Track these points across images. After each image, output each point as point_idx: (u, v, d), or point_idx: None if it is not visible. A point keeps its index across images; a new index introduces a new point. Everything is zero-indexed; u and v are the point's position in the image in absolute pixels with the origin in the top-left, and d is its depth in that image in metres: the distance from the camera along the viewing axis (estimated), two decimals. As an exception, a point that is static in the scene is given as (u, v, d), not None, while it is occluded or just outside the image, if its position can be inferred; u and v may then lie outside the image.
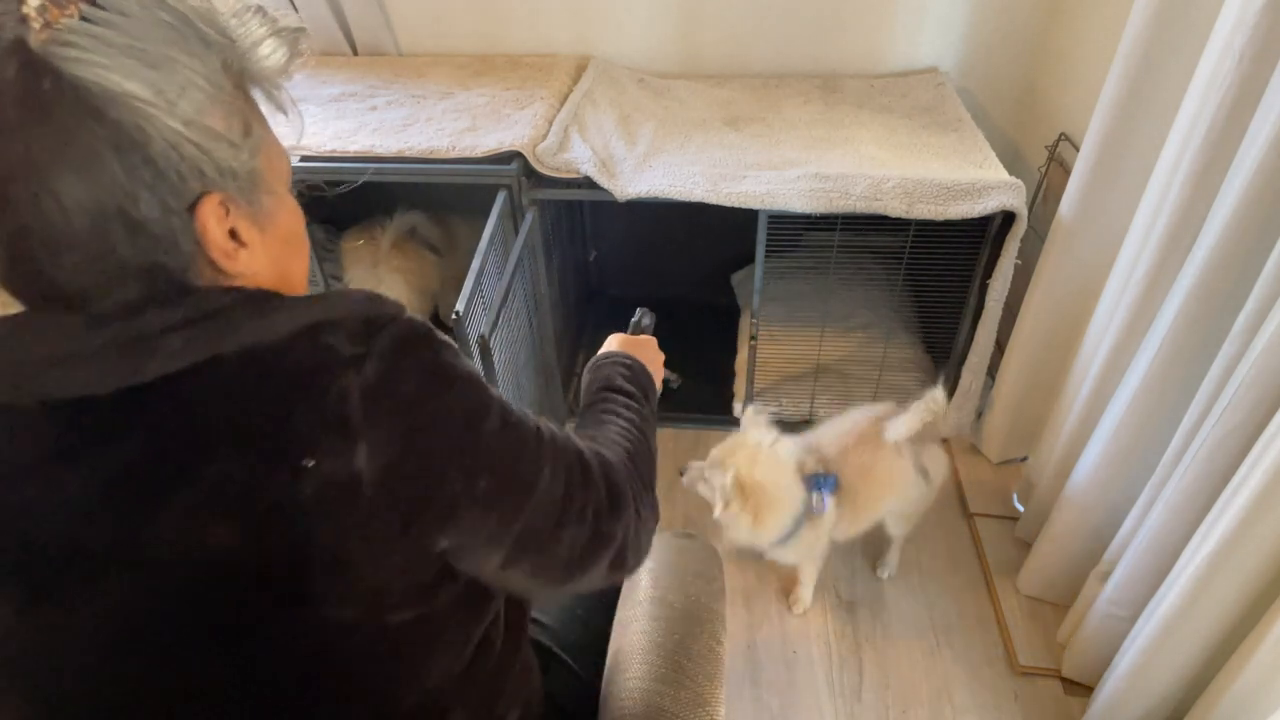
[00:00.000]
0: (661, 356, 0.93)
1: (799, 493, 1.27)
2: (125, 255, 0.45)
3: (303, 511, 0.46)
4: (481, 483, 0.53)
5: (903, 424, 1.27)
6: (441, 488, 0.51)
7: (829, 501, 1.28)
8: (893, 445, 1.30)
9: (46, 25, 0.41)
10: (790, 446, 1.29)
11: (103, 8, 0.43)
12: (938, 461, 1.38)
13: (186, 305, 0.47)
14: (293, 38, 0.52)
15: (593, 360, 0.87)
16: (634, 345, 0.89)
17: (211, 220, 0.48)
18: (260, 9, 0.51)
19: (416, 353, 0.51)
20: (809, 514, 1.28)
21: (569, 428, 0.70)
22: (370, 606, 0.50)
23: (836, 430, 1.36)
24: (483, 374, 0.58)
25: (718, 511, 1.24)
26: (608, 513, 0.64)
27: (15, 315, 0.47)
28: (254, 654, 0.49)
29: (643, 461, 0.73)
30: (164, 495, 0.46)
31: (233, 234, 0.50)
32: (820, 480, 1.28)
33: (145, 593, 0.47)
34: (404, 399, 0.49)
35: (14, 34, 0.41)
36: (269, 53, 0.51)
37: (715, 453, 1.27)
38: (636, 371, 0.84)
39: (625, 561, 0.67)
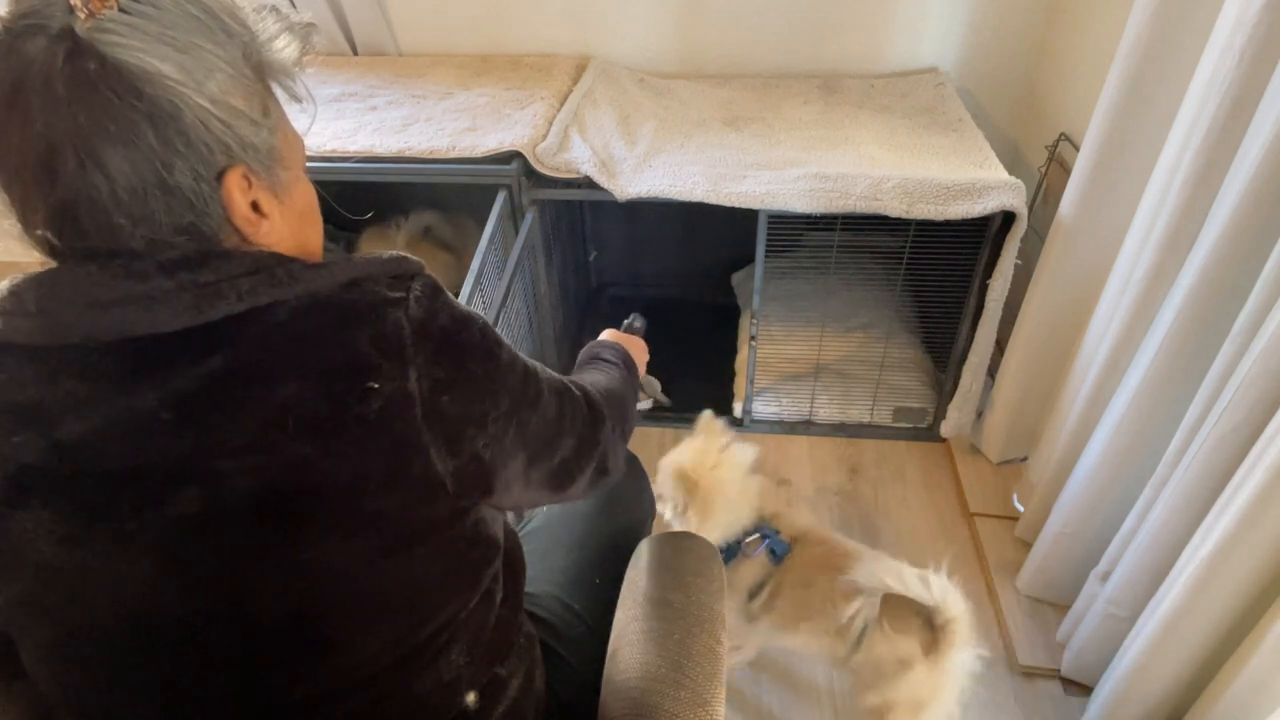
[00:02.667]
0: (646, 355, 1.03)
1: (749, 502, 1.17)
2: (162, 219, 0.50)
3: (368, 428, 0.52)
4: (504, 399, 0.62)
5: (872, 608, 1.04)
6: (476, 404, 0.59)
7: (761, 552, 1.16)
8: (846, 591, 1.08)
9: (90, 15, 0.47)
10: (748, 454, 1.20)
11: (139, 1, 0.48)
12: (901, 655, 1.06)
13: (246, 258, 0.52)
14: (304, 32, 0.58)
15: (585, 347, 0.98)
16: (623, 339, 0.99)
17: (236, 190, 0.53)
18: (275, 8, 0.57)
19: (443, 297, 0.59)
20: (742, 551, 1.17)
21: None
22: (401, 533, 0.56)
23: (821, 532, 1.21)
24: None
25: (667, 514, 1.17)
26: (590, 424, 0.75)
27: (54, 268, 0.51)
28: (300, 575, 0.53)
29: (616, 399, 0.83)
30: (238, 412, 0.50)
31: (255, 206, 0.54)
32: (770, 535, 1.17)
33: (206, 511, 0.50)
34: (442, 332, 0.57)
35: (62, 23, 0.46)
36: (283, 45, 0.56)
37: (666, 458, 1.21)
38: (620, 352, 0.95)
39: (607, 468, 0.79)
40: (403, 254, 0.59)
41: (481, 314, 0.64)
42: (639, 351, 1.01)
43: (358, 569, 0.54)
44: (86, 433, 0.50)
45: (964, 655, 1.02)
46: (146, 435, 0.50)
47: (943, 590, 1.00)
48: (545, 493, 0.72)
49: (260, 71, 0.55)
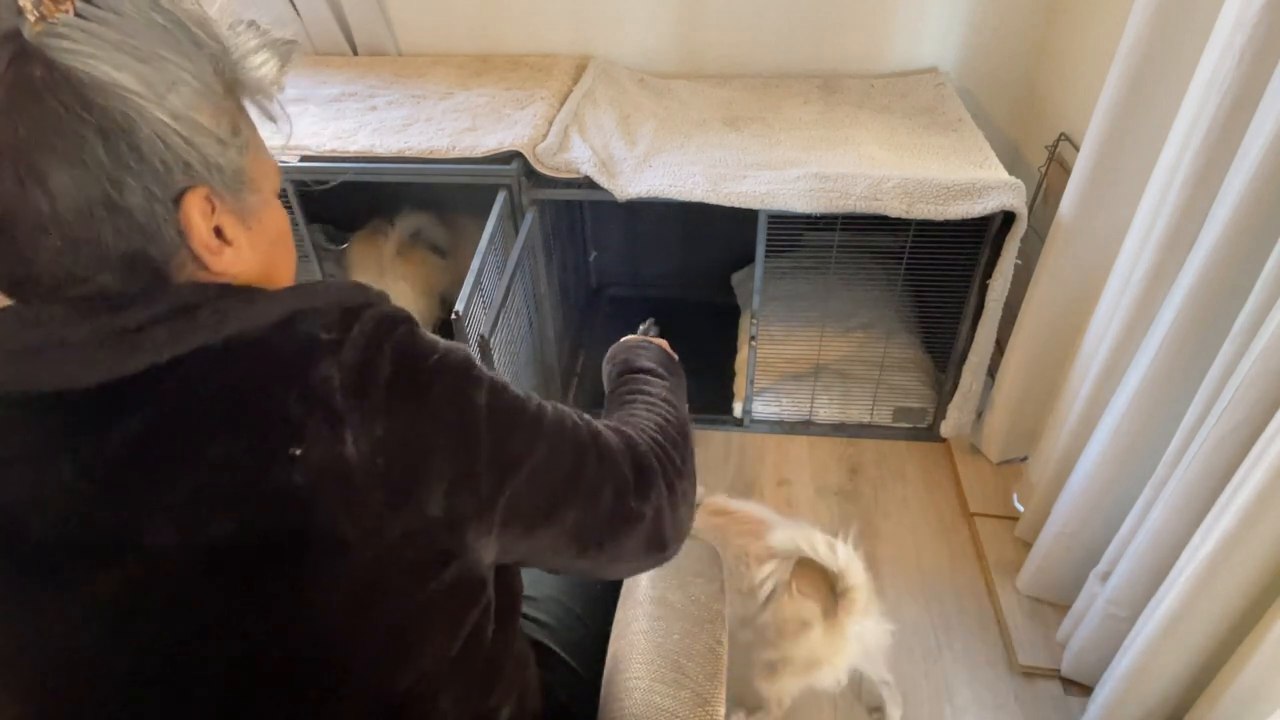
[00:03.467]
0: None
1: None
2: (108, 242, 0.46)
3: (298, 498, 0.47)
4: (464, 456, 0.53)
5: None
6: (428, 464, 0.51)
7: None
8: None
9: (41, 18, 0.43)
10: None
11: (97, 6, 0.44)
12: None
13: (170, 296, 0.47)
14: (285, 50, 0.54)
15: (609, 353, 0.86)
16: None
17: (196, 213, 0.49)
18: (253, 23, 0.53)
19: (393, 336, 0.52)
20: None
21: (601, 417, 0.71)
22: (366, 589, 0.50)
23: (719, 502, 1.24)
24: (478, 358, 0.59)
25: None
26: (633, 491, 0.63)
27: None
28: (252, 638, 0.49)
29: (673, 436, 0.72)
30: (165, 481, 0.46)
31: (218, 232, 0.51)
32: None
33: (144, 579, 0.47)
34: (384, 381, 0.50)
35: (10, 25, 0.43)
36: (260, 63, 0.53)
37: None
38: (655, 350, 0.84)
39: (664, 540, 0.67)
40: (360, 284, 0.54)
41: (461, 348, 0.57)
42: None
43: (316, 633, 0.50)
44: (7, 503, 0.46)
45: (861, 623, 1.07)
46: (68, 509, 0.46)
47: (847, 558, 1.07)
48: (562, 562, 0.63)
49: (232, 89, 0.52)
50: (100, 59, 0.44)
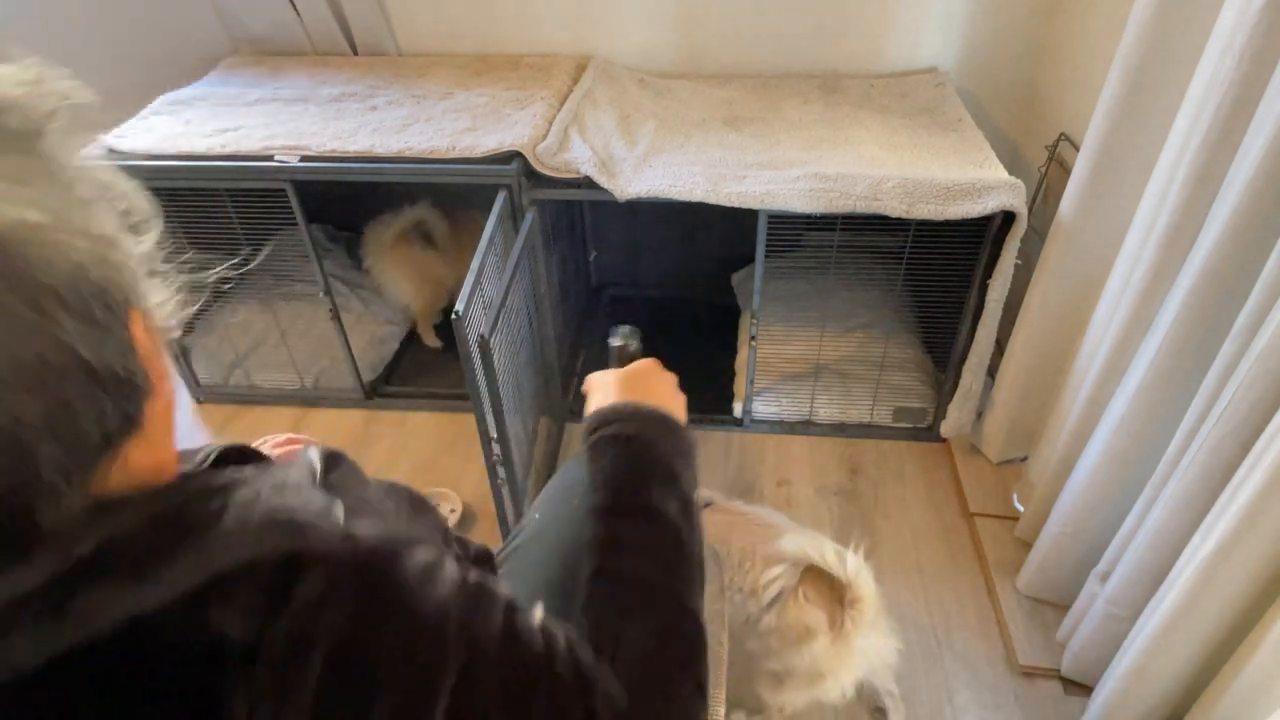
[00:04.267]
0: (672, 381, 0.68)
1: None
2: None
3: None
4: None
5: None
6: None
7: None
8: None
9: None
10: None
11: None
12: None
13: (39, 560, 0.34)
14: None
15: (584, 434, 0.62)
16: (632, 382, 0.66)
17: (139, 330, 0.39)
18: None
19: (343, 618, 0.38)
20: None
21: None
22: None
23: (727, 503, 1.21)
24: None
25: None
26: None
27: None
28: None
29: (674, 640, 0.52)
30: None
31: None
32: None
33: None
34: (308, 702, 0.37)
35: None
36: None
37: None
38: (645, 446, 0.59)
39: None
40: (310, 505, 0.40)
41: (441, 598, 0.42)
42: (662, 388, 0.66)
43: None
44: None
45: (868, 638, 1.05)
46: None
47: (856, 569, 1.03)
48: None
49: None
50: None
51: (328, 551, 0.39)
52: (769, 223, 1.51)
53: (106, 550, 0.35)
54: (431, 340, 2.10)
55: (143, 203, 0.43)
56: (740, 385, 1.83)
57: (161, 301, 0.43)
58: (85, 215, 0.37)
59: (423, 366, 2.06)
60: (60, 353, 0.34)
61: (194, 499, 0.38)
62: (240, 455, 0.50)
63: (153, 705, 0.35)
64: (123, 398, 0.37)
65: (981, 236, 1.49)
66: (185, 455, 0.47)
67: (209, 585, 0.36)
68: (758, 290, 1.65)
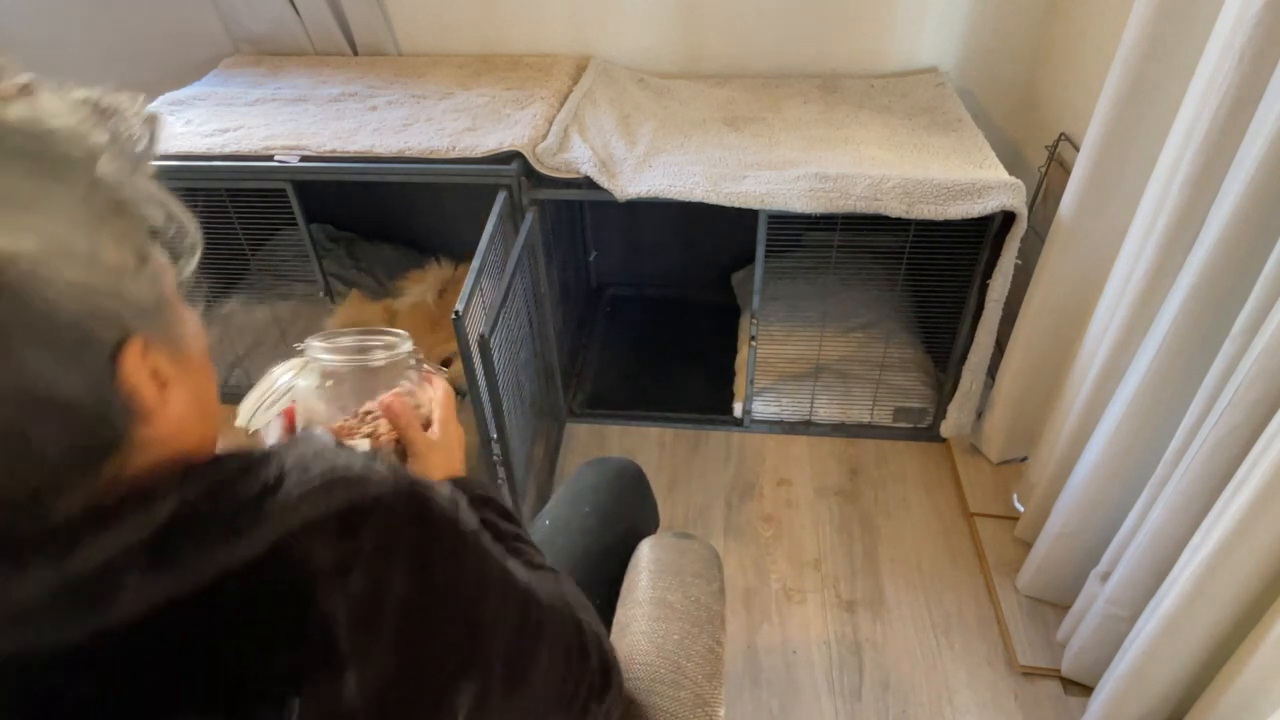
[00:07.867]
0: (460, 435, 0.74)
1: None
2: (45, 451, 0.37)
3: None
4: (474, 686, 0.48)
5: None
6: (440, 702, 0.46)
7: None
8: None
9: None
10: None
11: None
12: None
13: (129, 522, 0.38)
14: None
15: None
16: (450, 440, 0.71)
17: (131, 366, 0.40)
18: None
19: (408, 544, 0.45)
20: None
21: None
22: None
23: None
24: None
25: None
26: (597, 693, 0.60)
27: None
28: None
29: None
30: None
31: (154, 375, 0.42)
32: None
33: None
34: (395, 609, 0.43)
35: None
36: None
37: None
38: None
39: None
40: (354, 470, 0.44)
41: (470, 533, 0.50)
42: (454, 442, 0.71)
43: None
44: None
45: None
46: None
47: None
48: None
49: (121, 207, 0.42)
50: None
51: (381, 494, 0.44)
52: (769, 223, 1.51)
53: (187, 512, 0.39)
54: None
55: (190, 229, 0.47)
56: (740, 385, 1.83)
57: (188, 321, 0.46)
58: (94, 243, 0.38)
59: (422, 366, 2.05)
60: (12, 380, 0.35)
61: (256, 464, 0.43)
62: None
63: (255, 632, 0.39)
64: (86, 427, 0.38)
65: (981, 237, 1.49)
66: None
67: (287, 538, 0.40)
68: (758, 290, 1.65)
